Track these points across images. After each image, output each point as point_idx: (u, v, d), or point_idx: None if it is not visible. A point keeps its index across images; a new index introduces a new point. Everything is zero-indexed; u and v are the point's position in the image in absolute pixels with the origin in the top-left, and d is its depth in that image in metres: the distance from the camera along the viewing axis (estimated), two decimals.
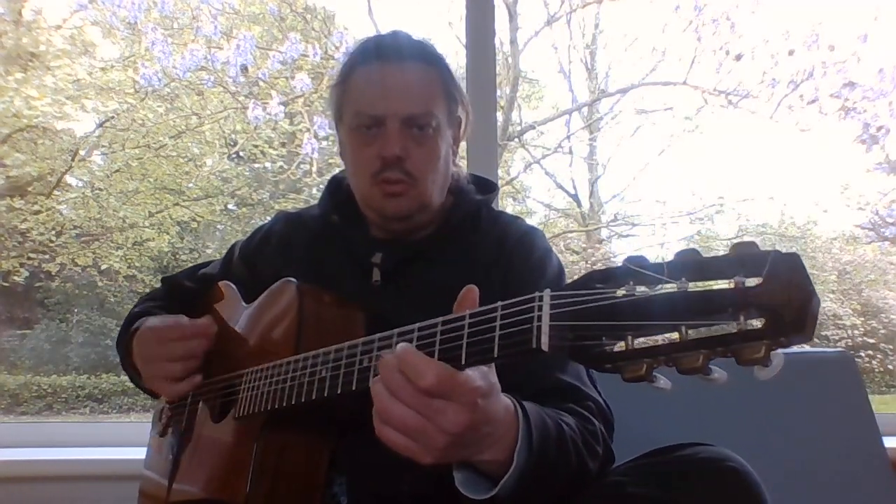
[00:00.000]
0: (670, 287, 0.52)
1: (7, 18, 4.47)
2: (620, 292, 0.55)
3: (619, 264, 0.55)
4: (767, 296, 0.48)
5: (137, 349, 1.16)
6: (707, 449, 0.86)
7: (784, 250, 0.48)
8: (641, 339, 0.53)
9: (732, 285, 0.49)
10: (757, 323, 0.48)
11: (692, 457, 0.85)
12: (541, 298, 0.62)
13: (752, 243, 0.49)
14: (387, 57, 1.13)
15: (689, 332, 0.51)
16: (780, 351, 0.48)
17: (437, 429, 0.68)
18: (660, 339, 0.53)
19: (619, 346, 0.55)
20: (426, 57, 1.16)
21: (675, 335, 0.51)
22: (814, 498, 1.47)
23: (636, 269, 0.53)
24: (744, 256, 0.49)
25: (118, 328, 1.29)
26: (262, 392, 0.99)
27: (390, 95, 1.10)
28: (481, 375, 0.71)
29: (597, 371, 0.56)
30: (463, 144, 1.26)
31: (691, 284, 0.51)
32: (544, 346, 0.60)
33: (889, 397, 5.84)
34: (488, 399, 0.72)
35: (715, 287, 0.50)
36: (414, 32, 1.20)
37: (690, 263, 0.52)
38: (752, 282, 0.48)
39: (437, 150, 1.14)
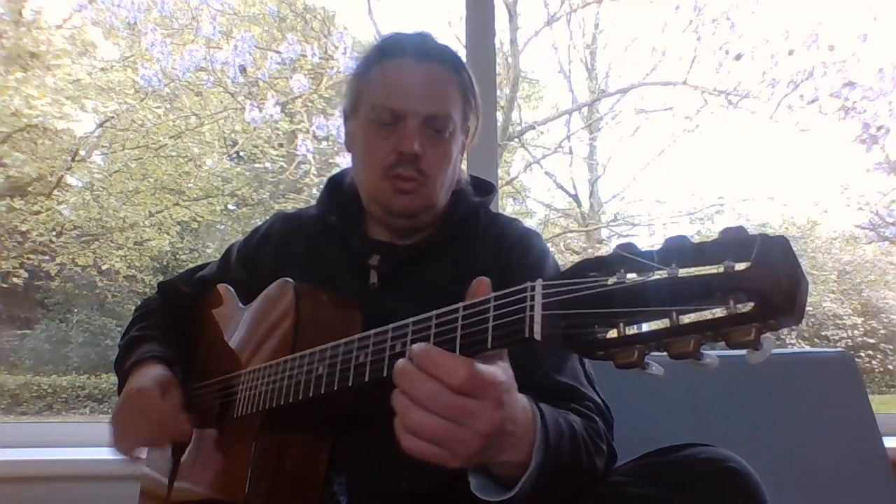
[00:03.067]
0: (661, 273, 0.52)
1: (7, 18, 4.47)
2: (612, 280, 0.55)
3: (611, 252, 0.55)
4: (756, 279, 0.48)
5: (126, 398, 1.14)
6: (707, 449, 0.85)
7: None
8: (633, 326, 0.53)
9: (721, 270, 0.49)
10: (747, 307, 0.48)
11: (692, 457, 0.85)
12: (533, 288, 0.62)
13: (741, 228, 0.49)
14: (414, 54, 1.13)
15: (681, 317, 0.51)
16: (770, 335, 0.48)
17: (470, 433, 0.65)
18: (651, 325, 0.52)
19: (612, 333, 0.55)
20: (451, 61, 1.16)
21: (666, 321, 0.51)
22: (814, 498, 1.47)
23: (627, 256, 0.53)
24: (732, 241, 0.50)
25: (118, 328, 1.29)
26: (260, 392, 0.99)
27: (414, 92, 1.11)
28: (502, 370, 0.68)
29: (589, 359, 0.56)
30: None
31: (681, 270, 0.51)
32: (537, 335, 0.60)
33: (889, 397, 5.84)
34: (511, 395, 0.70)
35: (704, 272, 0.50)
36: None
37: (680, 249, 0.52)
38: (740, 266, 0.48)
39: (451, 153, 1.15)
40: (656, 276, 0.52)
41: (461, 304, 0.70)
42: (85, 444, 1.98)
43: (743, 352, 0.50)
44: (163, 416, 1.09)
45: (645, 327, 0.53)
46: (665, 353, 0.52)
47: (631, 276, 0.53)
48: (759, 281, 0.47)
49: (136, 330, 1.28)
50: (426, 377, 0.65)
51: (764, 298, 0.47)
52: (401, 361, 0.68)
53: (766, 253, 0.47)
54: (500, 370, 0.68)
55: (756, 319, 0.47)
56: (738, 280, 0.48)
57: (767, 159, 6.08)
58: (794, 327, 0.48)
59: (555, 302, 0.59)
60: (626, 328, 0.53)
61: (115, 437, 1.12)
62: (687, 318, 0.51)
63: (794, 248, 0.47)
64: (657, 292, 0.51)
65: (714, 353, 0.53)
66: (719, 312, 0.49)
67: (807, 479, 1.48)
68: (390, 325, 0.79)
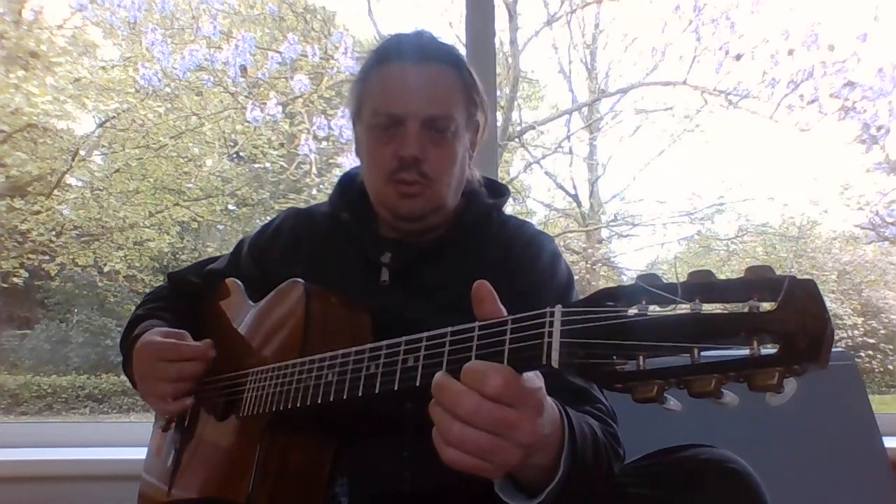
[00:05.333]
0: (684, 308, 0.51)
1: (7, 18, 4.46)
2: (632, 311, 0.54)
3: (632, 282, 0.55)
4: (782, 322, 0.47)
5: (135, 362, 1.14)
6: (708, 450, 0.86)
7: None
8: (653, 360, 0.53)
9: (746, 309, 0.48)
10: (771, 349, 0.47)
11: (693, 458, 0.86)
12: (552, 314, 0.62)
13: (768, 267, 0.48)
14: (410, 57, 1.12)
15: (702, 354, 0.50)
16: (792, 378, 0.47)
17: (513, 444, 0.65)
18: (671, 360, 0.52)
19: (630, 365, 0.54)
20: (449, 59, 1.15)
21: (687, 357, 0.50)
22: (814, 498, 1.48)
23: (649, 289, 0.53)
24: (759, 280, 0.49)
25: (118, 328, 1.29)
26: (267, 393, 0.99)
27: (411, 96, 1.10)
28: (536, 375, 0.67)
29: (607, 390, 0.55)
30: None
31: (705, 306, 0.50)
32: (554, 363, 0.60)
33: (889, 397, 5.85)
34: (546, 399, 0.69)
35: (728, 310, 0.49)
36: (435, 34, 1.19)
37: (704, 285, 0.51)
38: (766, 307, 0.48)
39: (455, 154, 1.13)
40: (679, 311, 0.51)
41: (477, 324, 0.69)
42: (85, 444, 1.98)
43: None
44: (176, 349, 1.08)
45: (665, 362, 0.52)
46: (684, 390, 0.51)
47: (653, 308, 0.53)
48: (786, 324, 0.46)
49: (142, 309, 1.29)
50: (468, 391, 0.64)
51: (789, 342, 0.46)
52: (439, 375, 0.67)
53: (793, 296, 0.47)
54: (534, 374, 0.67)
55: (780, 363, 0.46)
56: (764, 321, 0.47)
57: (767, 159, 6.10)
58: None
59: (574, 330, 0.59)
60: (646, 362, 0.53)
61: (153, 401, 1.12)
62: (709, 356, 0.50)
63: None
64: (679, 327, 0.51)
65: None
66: (742, 353, 0.48)
67: (807, 479, 1.48)
68: (403, 338, 0.78)
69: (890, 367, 5.93)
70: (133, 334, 1.19)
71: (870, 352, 5.96)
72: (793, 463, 1.48)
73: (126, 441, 1.91)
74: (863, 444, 1.56)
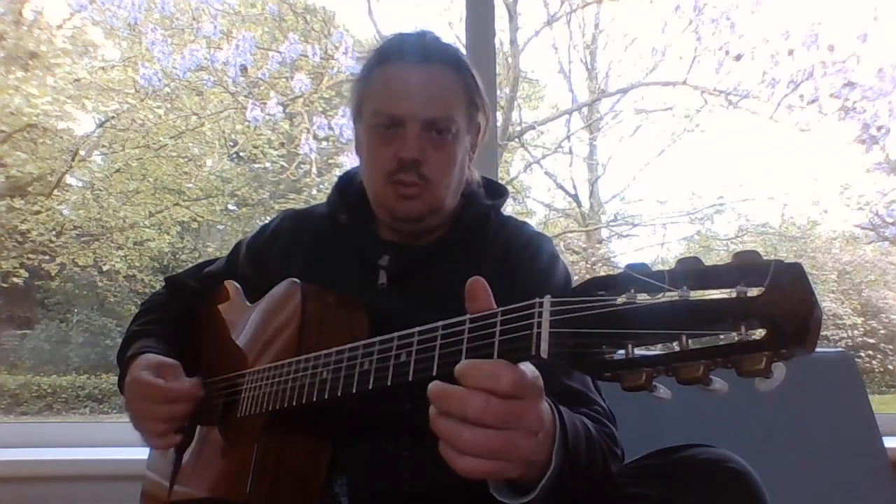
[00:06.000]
0: (671, 295, 0.51)
1: (7, 18, 4.47)
2: (621, 300, 0.54)
3: (621, 271, 0.55)
4: (769, 306, 0.47)
5: (127, 395, 1.14)
6: (708, 450, 0.85)
7: (786, 257, 0.47)
8: (642, 348, 0.53)
9: (734, 295, 0.48)
10: (758, 334, 0.47)
11: (693, 458, 0.85)
12: (541, 305, 0.62)
13: (755, 252, 0.48)
14: (412, 58, 1.12)
15: (690, 341, 0.50)
16: (781, 363, 0.47)
17: (522, 435, 0.65)
18: (660, 348, 0.52)
19: (620, 354, 0.54)
20: (452, 61, 1.14)
21: (675, 344, 0.50)
22: (814, 498, 1.48)
23: (637, 277, 0.52)
24: (745, 265, 0.49)
25: (118, 328, 1.29)
26: (264, 393, 0.99)
27: (412, 97, 1.09)
28: (531, 365, 0.67)
29: (596, 379, 0.55)
30: None
31: (692, 293, 0.50)
32: (543, 354, 0.59)
33: (889, 397, 5.84)
34: (543, 390, 0.69)
35: (716, 296, 0.49)
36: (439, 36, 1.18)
37: (692, 272, 0.51)
38: (753, 291, 0.48)
39: (455, 156, 1.13)
40: (667, 298, 0.51)
41: (468, 317, 0.69)
42: (85, 444, 1.98)
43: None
44: (163, 391, 1.08)
45: (654, 350, 0.52)
46: (673, 377, 0.51)
47: (641, 296, 0.53)
48: (772, 308, 0.46)
49: (137, 325, 1.29)
50: (472, 392, 0.63)
51: (776, 326, 0.46)
52: (434, 384, 0.66)
53: (779, 279, 0.46)
54: (531, 365, 0.67)
55: (767, 348, 0.46)
56: (751, 306, 0.47)
57: (767, 159, 6.10)
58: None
59: (563, 320, 0.59)
60: (635, 350, 0.53)
61: (144, 436, 1.12)
62: (697, 343, 0.50)
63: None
64: (667, 314, 0.51)
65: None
66: (730, 338, 0.48)
67: (807, 479, 1.48)
68: (396, 334, 0.78)
69: (890, 367, 5.93)
70: (128, 354, 1.19)
71: (870, 352, 5.95)
72: (793, 463, 1.48)
73: (126, 441, 1.90)
74: (863, 443, 1.56)
